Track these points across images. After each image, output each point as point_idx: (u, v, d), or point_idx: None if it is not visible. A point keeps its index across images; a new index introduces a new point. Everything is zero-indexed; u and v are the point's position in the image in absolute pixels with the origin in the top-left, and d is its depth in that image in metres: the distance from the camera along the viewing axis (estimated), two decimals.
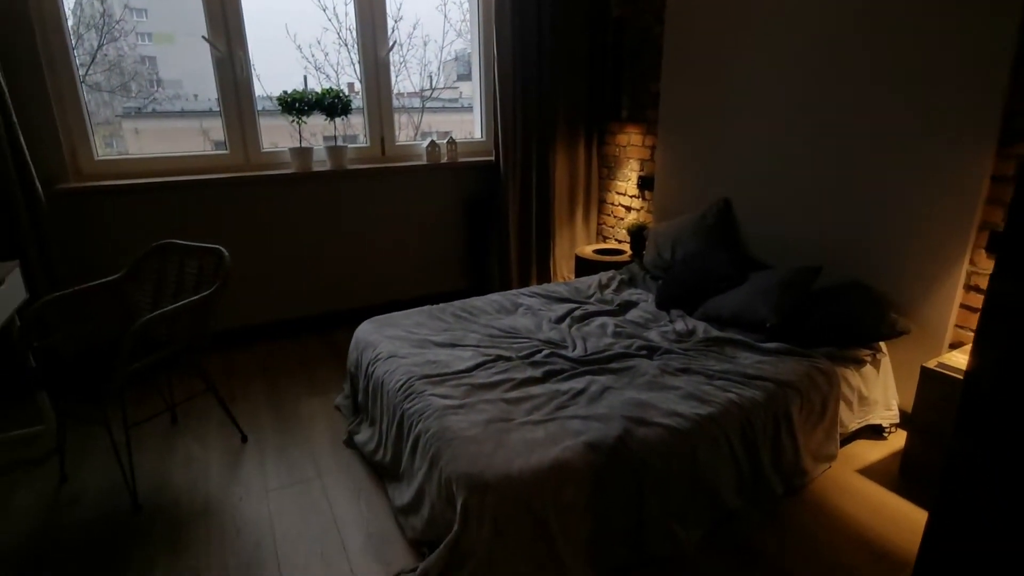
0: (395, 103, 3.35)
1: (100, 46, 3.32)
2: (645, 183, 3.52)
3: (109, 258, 2.78)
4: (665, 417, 1.70)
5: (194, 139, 3.95)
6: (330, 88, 3.06)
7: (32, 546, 1.76)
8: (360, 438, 2.16)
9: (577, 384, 1.91)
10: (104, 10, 3.30)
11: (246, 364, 2.96)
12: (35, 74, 2.50)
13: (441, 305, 2.61)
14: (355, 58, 3.29)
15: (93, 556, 1.72)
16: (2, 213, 2.39)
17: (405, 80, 4.10)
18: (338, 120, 3.13)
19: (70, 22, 2.61)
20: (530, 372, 1.99)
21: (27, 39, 2.46)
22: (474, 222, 3.63)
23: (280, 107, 2.99)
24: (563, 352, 2.15)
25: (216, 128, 3.05)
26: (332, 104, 3.03)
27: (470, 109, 3.82)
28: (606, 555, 1.59)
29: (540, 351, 2.16)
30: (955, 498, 1.06)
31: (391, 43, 3.25)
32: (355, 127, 3.52)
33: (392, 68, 3.29)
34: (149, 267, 2.26)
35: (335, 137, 3.18)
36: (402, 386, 1.91)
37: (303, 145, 3.06)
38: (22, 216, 2.41)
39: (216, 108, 2.97)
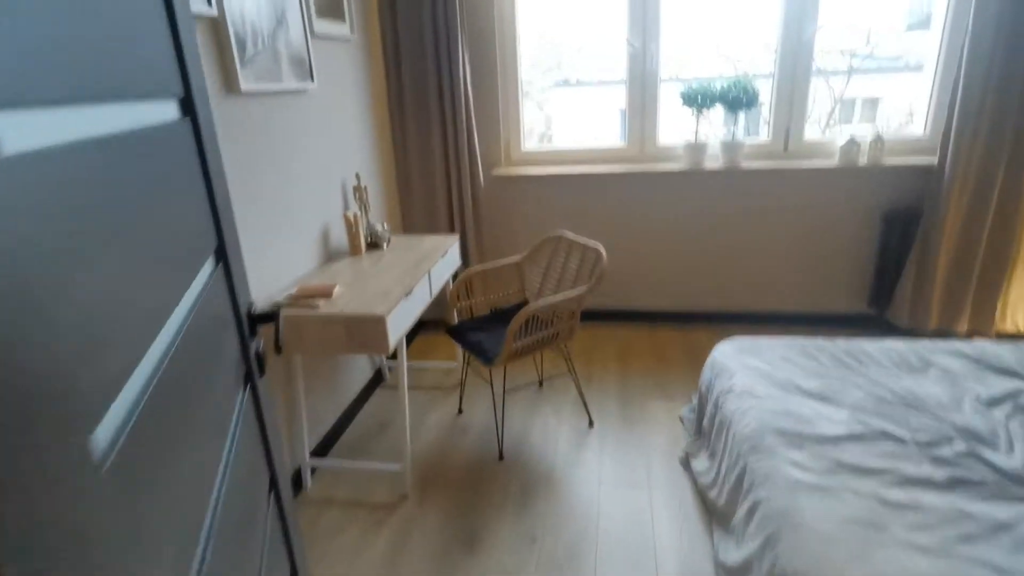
0: (812, 68, 2.90)
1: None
2: None
3: (517, 235, 3.31)
4: None
5: (607, 107, 4.28)
6: (737, 80, 2.86)
7: (432, 454, 2.30)
8: (697, 465, 2.07)
9: (1000, 512, 1.38)
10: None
11: (605, 345, 3.17)
12: (491, 79, 3.06)
13: (819, 341, 2.24)
14: (772, 40, 2.97)
15: (466, 481, 2.15)
16: (455, 194, 3.07)
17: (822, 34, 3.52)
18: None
19: (521, 38, 3.08)
20: (928, 470, 1.53)
21: (489, 51, 3.02)
22: (890, 237, 2.96)
23: (682, 100, 2.95)
24: (988, 455, 1.58)
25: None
26: (737, 98, 2.83)
27: (917, 69, 3.02)
28: None
29: (950, 442, 1.64)
30: None
31: (820, 23, 2.81)
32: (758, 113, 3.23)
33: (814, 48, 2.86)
34: (542, 253, 2.59)
35: (732, 130, 2.98)
36: (751, 434, 1.73)
37: (698, 141, 2.97)
38: (467, 197, 3.05)
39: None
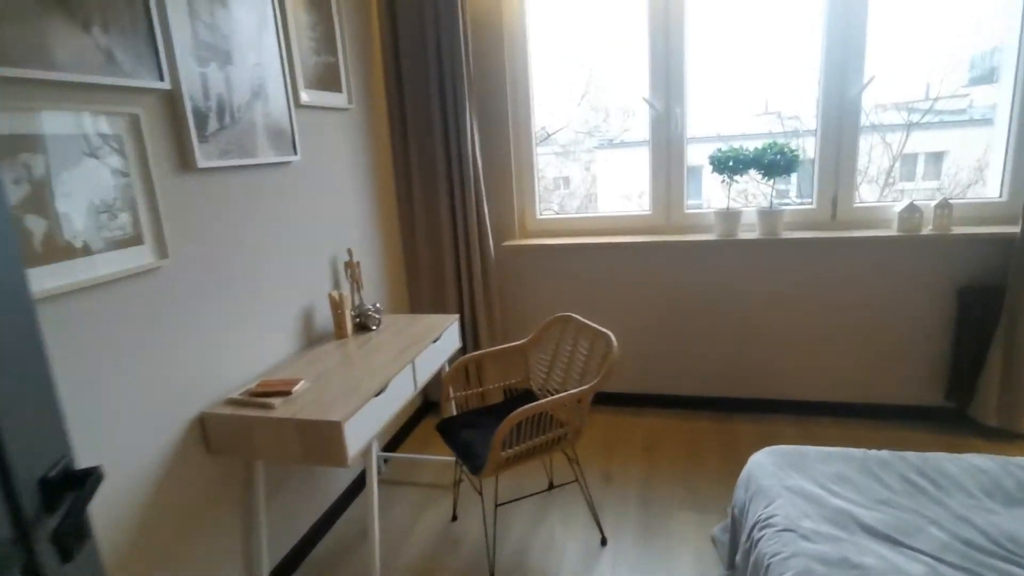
0: (863, 121, 2.56)
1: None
2: None
3: (533, 313, 3.04)
4: None
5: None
6: (773, 142, 2.57)
7: (418, 567, 1.97)
8: None
9: None
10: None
11: (630, 435, 2.79)
12: (504, 147, 2.88)
13: (883, 455, 1.82)
14: (815, 96, 2.67)
15: None
16: (464, 268, 2.84)
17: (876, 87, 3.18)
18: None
19: (535, 92, 2.91)
20: None
21: (501, 119, 2.85)
22: (968, 318, 2.51)
23: (711, 166, 2.67)
24: None
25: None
26: (773, 162, 2.53)
27: (986, 123, 2.64)
28: None
29: None
30: None
31: (868, 79, 2.51)
32: (800, 178, 2.91)
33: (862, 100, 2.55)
34: (549, 336, 2.30)
35: (771, 196, 2.66)
36: None
37: (730, 208, 2.66)
38: (476, 271, 2.81)
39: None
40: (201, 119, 1.61)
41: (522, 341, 2.31)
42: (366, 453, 1.75)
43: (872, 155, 3.58)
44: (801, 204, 2.75)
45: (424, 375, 2.08)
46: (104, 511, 1.36)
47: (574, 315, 2.21)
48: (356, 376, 1.82)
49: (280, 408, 1.62)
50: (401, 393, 1.90)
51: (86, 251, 1.31)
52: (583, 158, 4.42)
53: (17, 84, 1.18)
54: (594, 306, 2.96)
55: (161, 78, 1.49)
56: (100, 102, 1.34)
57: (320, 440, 1.55)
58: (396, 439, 2.82)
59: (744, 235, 2.68)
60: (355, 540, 2.20)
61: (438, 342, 2.21)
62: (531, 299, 3.03)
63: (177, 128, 1.56)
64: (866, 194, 2.91)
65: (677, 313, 2.87)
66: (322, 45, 2.23)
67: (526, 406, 1.76)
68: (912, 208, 2.49)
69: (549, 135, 3.53)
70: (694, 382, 2.95)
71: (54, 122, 1.24)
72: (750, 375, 2.87)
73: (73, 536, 0.70)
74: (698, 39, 2.67)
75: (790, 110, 3.17)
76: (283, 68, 1.96)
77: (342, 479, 2.38)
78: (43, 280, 1.22)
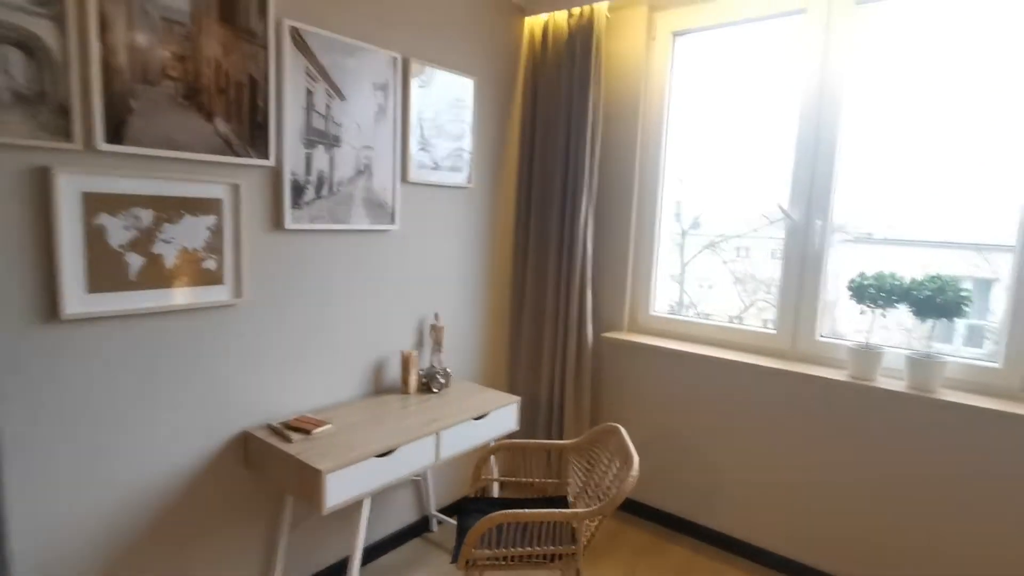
0: None
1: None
2: None
3: (621, 408, 2.84)
4: None
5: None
6: (936, 276, 2.04)
7: None
8: None
9: None
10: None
11: None
12: (623, 236, 2.81)
13: None
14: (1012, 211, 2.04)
15: None
16: (559, 353, 2.80)
17: None
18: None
19: (664, 198, 2.79)
20: None
21: (624, 208, 2.80)
22: None
23: (850, 293, 2.22)
24: None
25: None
26: (928, 300, 2.00)
27: None
28: None
29: None
30: None
31: None
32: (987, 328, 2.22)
33: None
34: (593, 443, 2.14)
35: (929, 338, 2.09)
36: None
37: (870, 346, 2.17)
38: (570, 358, 2.76)
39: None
40: (298, 190, 1.96)
41: (565, 441, 2.20)
42: (357, 522, 1.85)
43: None
44: (973, 355, 2.10)
45: (452, 449, 2.11)
46: (140, 486, 1.70)
47: (621, 428, 2.03)
48: (377, 433, 1.95)
49: (295, 444, 1.83)
50: (415, 461, 1.97)
51: (173, 283, 1.69)
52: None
53: (145, 159, 1.62)
54: (692, 421, 2.64)
55: (267, 157, 1.86)
56: (209, 174, 1.75)
57: (308, 482, 1.71)
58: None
59: (886, 382, 2.15)
60: None
61: (482, 420, 2.22)
62: (627, 398, 2.83)
63: (275, 196, 1.93)
64: None
65: (786, 452, 2.40)
66: (447, 131, 2.50)
67: (503, 512, 1.68)
68: None
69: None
70: (801, 545, 2.40)
71: (165, 186, 1.65)
72: (878, 557, 2.23)
73: None
74: (855, 128, 2.27)
75: (982, 222, 2.43)
76: (394, 152, 2.26)
77: (391, 520, 2.51)
78: (134, 302, 1.62)
